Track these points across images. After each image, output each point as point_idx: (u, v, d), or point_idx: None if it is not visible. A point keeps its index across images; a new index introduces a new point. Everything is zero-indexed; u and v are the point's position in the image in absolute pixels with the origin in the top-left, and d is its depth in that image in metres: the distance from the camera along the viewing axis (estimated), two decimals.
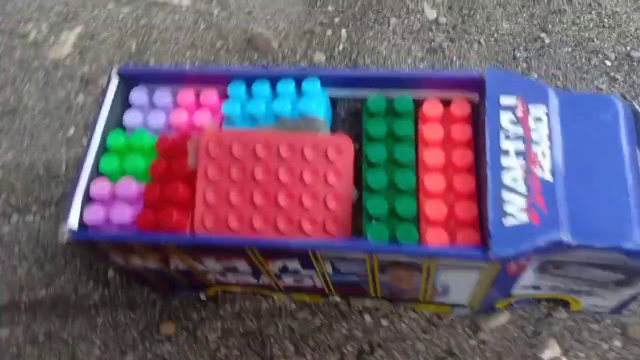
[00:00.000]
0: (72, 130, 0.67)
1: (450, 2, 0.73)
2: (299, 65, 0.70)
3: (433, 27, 0.72)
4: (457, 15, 0.72)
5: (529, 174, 0.39)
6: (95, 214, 0.43)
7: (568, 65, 0.68)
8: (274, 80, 0.47)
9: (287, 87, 0.46)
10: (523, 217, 0.37)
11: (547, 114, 0.41)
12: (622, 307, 0.49)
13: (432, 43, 0.70)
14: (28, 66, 0.71)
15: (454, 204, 0.41)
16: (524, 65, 0.69)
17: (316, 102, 0.45)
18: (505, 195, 0.38)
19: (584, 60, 0.68)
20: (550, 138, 0.40)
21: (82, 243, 0.43)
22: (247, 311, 0.54)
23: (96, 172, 0.46)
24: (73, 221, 0.43)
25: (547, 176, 0.39)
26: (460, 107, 0.44)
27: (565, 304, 0.51)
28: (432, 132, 0.44)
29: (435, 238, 0.40)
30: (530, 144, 0.40)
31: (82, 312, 0.57)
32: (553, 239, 0.37)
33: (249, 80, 0.47)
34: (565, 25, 0.71)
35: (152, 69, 0.48)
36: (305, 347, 0.52)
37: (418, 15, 0.72)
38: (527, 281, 0.44)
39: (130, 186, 0.44)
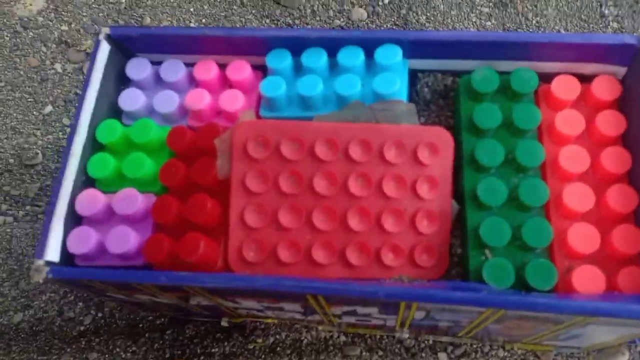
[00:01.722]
0: (48, 108, 0.53)
1: None
2: (333, 23, 0.56)
3: None
4: None
5: None
6: (83, 239, 0.30)
7: None
8: (332, 48, 0.33)
9: (353, 57, 0.32)
10: None
11: None
12: None
13: None
14: None
15: (608, 230, 0.28)
16: (615, 25, 0.55)
17: (398, 79, 0.31)
18: None
19: None
20: None
21: (70, 284, 0.30)
22: (283, 345, 0.42)
23: (83, 179, 0.32)
24: (52, 251, 0.30)
25: None
26: (607, 87, 0.31)
27: None
28: (569, 122, 0.30)
29: (586, 282, 0.27)
30: None
31: (70, 343, 0.44)
32: None
33: (296, 48, 0.33)
34: None
35: (154, 30, 0.34)
36: None
37: None
38: None
39: (133, 200, 0.31)
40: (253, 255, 0.30)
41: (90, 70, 0.33)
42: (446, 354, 0.41)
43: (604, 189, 0.29)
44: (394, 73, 0.32)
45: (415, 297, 0.26)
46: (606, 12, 0.56)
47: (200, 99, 0.33)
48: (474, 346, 0.41)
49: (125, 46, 0.35)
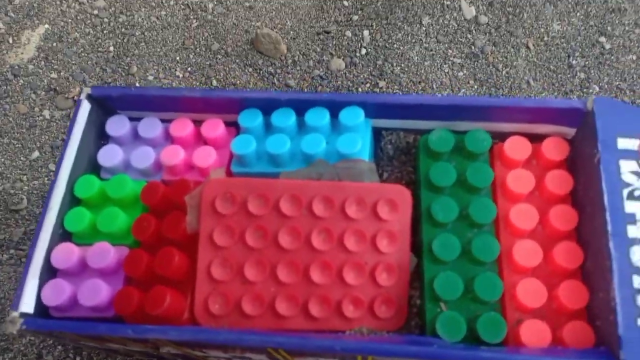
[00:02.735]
0: (35, 154, 0.55)
1: None
2: (312, 73, 0.58)
3: (472, 28, 0.60)
4: (500, 13, 0.61)
5: None
6: (57, 292, 0.31)
7: (635, 76, 0.57)
8: (301, 108, 0.35)
9: (319, 117, 0.34)
10: None
11: None
12: None
13: (472, 47, 0.59)
14: None
15: (555, 285, 0.30)
16: (582, 75, 0.58)
17: (360, 139, 0.33)
18: (638, 281, 0.27)
19: None
20: None
21: (45, 334, 0.31)
22: None
23: (60, 232, 0.34)
24: (27, 302, 0.31)
25: None
26: (556, 147, 0.33)
27: None
28: (520, 181, 0.32)
29: (534, 335, 0.29)
30: None
31: None
32: None
33: (267, 107, 0.35)
34: (627, 28, 0.60)
35: (134, 90, 0.36)
36: None
37: (454, 14, 0.61)
38: None
39: (105, 254, 0.32)
40: (218, 308, 0.31)
41: (71, 127, 0.35)
42: None
43: (552, 246, 0.31)
44: (356, 133, 0.34)
45: (369, 351, 0.28)
46: (574, 62, 0.58)
47: (174, 155, 0.35)
48: None
49: (106, 104, 0.37)
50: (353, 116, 0.34)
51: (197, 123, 0.37)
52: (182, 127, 0.36)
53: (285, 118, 0.35)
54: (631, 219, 0.29)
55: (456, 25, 0.60)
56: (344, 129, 0.34)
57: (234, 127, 0.37)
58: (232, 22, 0.63)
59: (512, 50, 0.59)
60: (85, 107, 0.36)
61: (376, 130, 0.36)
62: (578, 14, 0.61)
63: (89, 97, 0.36)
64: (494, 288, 0.30)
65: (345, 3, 0.64)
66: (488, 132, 0.33)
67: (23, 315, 0.30)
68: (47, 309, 0.32)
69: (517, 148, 0.33)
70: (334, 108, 0.35)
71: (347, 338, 0.29)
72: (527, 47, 0.59)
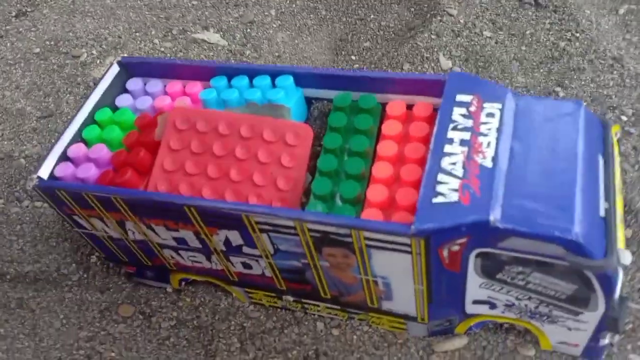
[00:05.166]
0: None
1: (467, 54, 0.75)
2: None
3: None
4: (472, 66, 0.74)
5: (469, 160, 0.38)
6: (65, 170, 0.46)
7: None
8: (252, 76, 0.50)
9: (263, 81, 0.49)
10: (453, 197, 0.36)
11: (501, 111, 0.41)
12: (596, 352, 0.44)
13: None
14: (73, 81, 0.80)
15: (396, 190, 0.40)
16: None
17: (285, 93, 0.47)
18: (441, 177, 0.37)
19: (599, 114, 0.66)
20: (499, 131, 0.39)
21: (49, 195, 0.46)
22: (205, 305, 0.54)
23: (79, 139, 0.49)
24: (44, 172, 0.46)
25: (488, 163, 0.38)
26: (422, 109, 0.45)
27: (535, 341, 0.46)
28: (390, 128, 0.44)
29: (370, 217, 0.39)
30: (476, 135, 0.39)
31: (56, 288, 0.58)
32: (480, 219, 0.35)
33: (231, 76, 0.51)
34: (583, 82, 0.70)
35: (148, 60, 0.52)
36: (250, 346, 0.50)
37: (432, 64, 0.74)
38: (476, 291, 0.41)
39: (101, 151, 0.47)
40: (164, 189, 0.44)
41: (102, 79, 0.52)
42: (323, 324, 0.51)
43: (401, 167, 0.41)
44: (284, 90, 0.47)
45: (247, 210, 0.39)
46: None
47: (164, 101, 0.50)
48: (346, 320, 0.50)
49: (129, 69, 0.54)
50: (284, 80, 0.48)
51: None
52: (174, 86, 0.52)
53: (240, 80, 0.49)
54: (449, 141, 0.39)
55: (432, 73, 0.74)
56: (277, 87, 0.48)
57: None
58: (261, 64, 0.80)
59: None
60: (114, 69, 0.53)
61: (309, 100, 0.50)
62: (542, 70, 0.73)
63: (119, 63, 0.53)
64: (353, 190, 0.41)
65: (353, 57, 0.80)
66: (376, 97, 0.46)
67: (38, 178, 0.46)
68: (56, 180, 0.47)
69: (395, 108, 0.45)
70: (274, 76, 0.49)
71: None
72: None
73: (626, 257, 0.36)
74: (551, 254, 0.35)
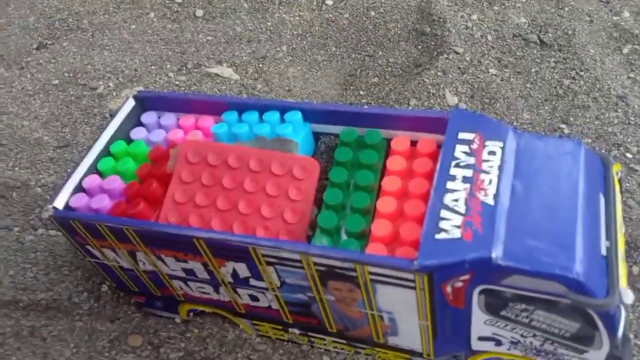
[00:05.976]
0: None
1: (473, 91, 0.77)
2: None
3: None
4: (478, 102, 0.75)
5: (471, 197, 0.39)
6: (80, 200, 0.48)
7: None
8: (262, 111, 0.51)
9: (272, 116, 0.50)
10: (455, 233, 0.37)
11: (503, 149, 0.42)
12: None
13: None
14: (89, 112, 0.82)
15: (400, 225, 0.41)
16: None
17: (293, 128, 0.48)
18: (443, 213, 0.38)
19: (603, 151, 0.67)
20: (501, 169, 0.40)
21: (63, 226, 0.47)
22: (212, 337, 0.54)
23: (94, 170, 0.51)
24: (59, 203, 0.48)
25: (489, 200, 0.39)
26: (426, 145, 0.46)
27: None
28: (395, 163, 0.45)
29: (374, 252, 0.40)
30: (478, 172, 0.40)
31: (67, 316, 0.59)
32: (483, 256, 0.36)
33: (241, 111, 0.52)
34: (588, 119, 0.71)
35: (163, 94, 0.54)
36: None
37: (439, 100, 0.76)
38: (481, 328, 0.42)
39: (115, 182, 0.49)
40: (174, 220, 0.46)
41: (116, 111, 0.54)
42: (329, 358, 0.51)
43: (405, 202, 0.42)
44: (293, 125, 0.49)
45: (254, 243, 0.40)
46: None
47: (177, 135, 0.52)
48: (352, 355, 0.51)
49: (144, 103, 0.55)
50: (293, 115, 0.49)
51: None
52: (187, 120, 0.53)
53: (251, 115, 0.51)
54: (452, 178, 0.40)
55: (439, 109, 0.75)
56: (285, 122, 0.49)
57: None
58: (271, 98, 0.82)
59: None
60: (130, 103, 0.55)
61: (316, 135, 0.51)
62: (546, 107, 0.74)
63: (134, 97, 0.55)
64: (358, 224, 0.42)
65: (361, 92, 0.82)
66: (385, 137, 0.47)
67: (54, 208, 0.47)
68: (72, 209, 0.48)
69: (400, 143, 0.46)
70: (283, 112, 0.51)
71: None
72: None
73: (628, 296, 0.36)
74: (553, 292, 0.36)
